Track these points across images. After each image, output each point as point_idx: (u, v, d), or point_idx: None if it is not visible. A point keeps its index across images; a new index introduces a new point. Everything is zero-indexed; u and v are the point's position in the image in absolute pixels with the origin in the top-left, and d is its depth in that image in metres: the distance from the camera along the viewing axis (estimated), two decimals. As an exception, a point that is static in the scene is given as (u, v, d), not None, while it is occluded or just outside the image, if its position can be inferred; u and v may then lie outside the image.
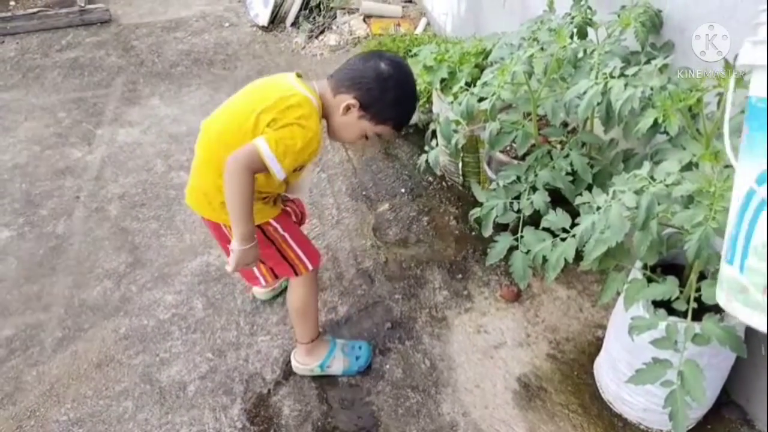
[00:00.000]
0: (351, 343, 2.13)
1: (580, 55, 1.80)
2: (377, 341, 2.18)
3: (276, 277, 1.97)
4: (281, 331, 2.22)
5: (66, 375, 2.10)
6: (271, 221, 1.82)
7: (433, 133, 2.37)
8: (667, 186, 1.37)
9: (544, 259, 1.77)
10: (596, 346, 2.13)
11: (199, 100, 3.56)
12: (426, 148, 2.20)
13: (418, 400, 1.99)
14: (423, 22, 4.05)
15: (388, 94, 1.70)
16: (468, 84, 2.64)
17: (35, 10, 4.69)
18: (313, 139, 1.63)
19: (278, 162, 1.58)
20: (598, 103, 1.64)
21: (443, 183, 2.88)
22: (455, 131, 2.04)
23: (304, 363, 2.06)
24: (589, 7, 1.91)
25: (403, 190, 2.85)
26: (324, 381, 2.06)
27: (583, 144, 2.05)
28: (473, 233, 2.59)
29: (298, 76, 1.75)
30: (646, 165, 1.45)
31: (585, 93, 1.66)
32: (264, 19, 4.27)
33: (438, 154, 2.11)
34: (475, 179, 2.77)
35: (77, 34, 4.48)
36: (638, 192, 1.39)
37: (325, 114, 1.74)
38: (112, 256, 2.56)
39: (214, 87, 3.68)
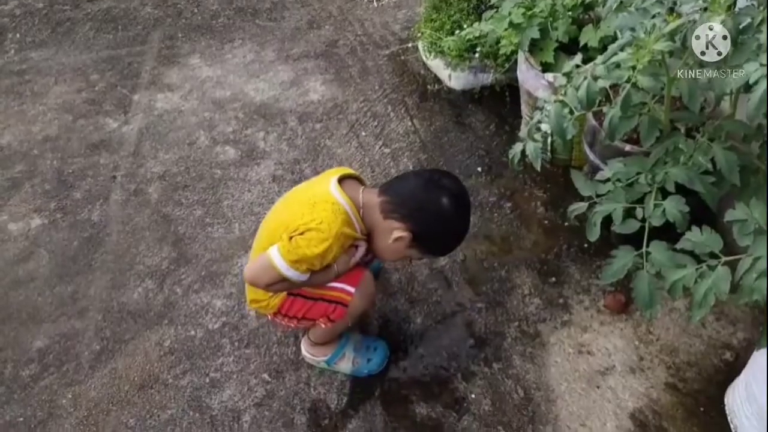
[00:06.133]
0: (367, 341, 1.91)
1: (743, 25, 1.36)
2: (459, 363, 1.86)
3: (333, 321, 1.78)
4: (347, 346, 1.92)
5: (105, 399, 1.86)
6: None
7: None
8: None
9: (685, 289, 1.41)
10: (725, 373, 1.77)
11: (243, 59, 3.18)
12: (520, 134, 1.81)
13: (512, 443, 1.69)
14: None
15: (445, 231, 1.65)
16: (563, 45, 2.22)
17: (65, -46, 4.31)
18: (333, 245, 1.53)
19: (292, 269, 1.52)
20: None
21: (526, 159, 2.47)
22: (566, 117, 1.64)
23: (311, 354, 1.88)
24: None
25: (479, 169, 2.46)
26: (400, 414, 1.76)
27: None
28: (566, 224, 2.20)
29: (350, 176, 1.68)
30: None
31: (757, 83, 1.24)
32: (311, -41, 3.81)
33: (539, 148, 1.72)
34: (567, 156, 2.35)
35: (109, -20, 4.10)
36: None
37: (368, 226, 1.63)
38: (154, 250, 2.27)
39: (260, 42, 3.28)
